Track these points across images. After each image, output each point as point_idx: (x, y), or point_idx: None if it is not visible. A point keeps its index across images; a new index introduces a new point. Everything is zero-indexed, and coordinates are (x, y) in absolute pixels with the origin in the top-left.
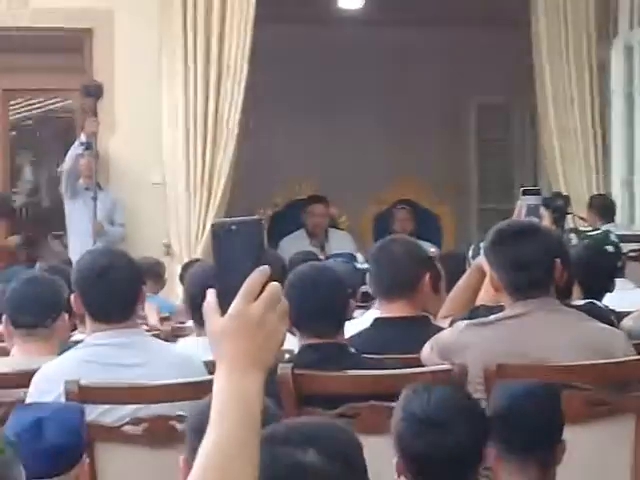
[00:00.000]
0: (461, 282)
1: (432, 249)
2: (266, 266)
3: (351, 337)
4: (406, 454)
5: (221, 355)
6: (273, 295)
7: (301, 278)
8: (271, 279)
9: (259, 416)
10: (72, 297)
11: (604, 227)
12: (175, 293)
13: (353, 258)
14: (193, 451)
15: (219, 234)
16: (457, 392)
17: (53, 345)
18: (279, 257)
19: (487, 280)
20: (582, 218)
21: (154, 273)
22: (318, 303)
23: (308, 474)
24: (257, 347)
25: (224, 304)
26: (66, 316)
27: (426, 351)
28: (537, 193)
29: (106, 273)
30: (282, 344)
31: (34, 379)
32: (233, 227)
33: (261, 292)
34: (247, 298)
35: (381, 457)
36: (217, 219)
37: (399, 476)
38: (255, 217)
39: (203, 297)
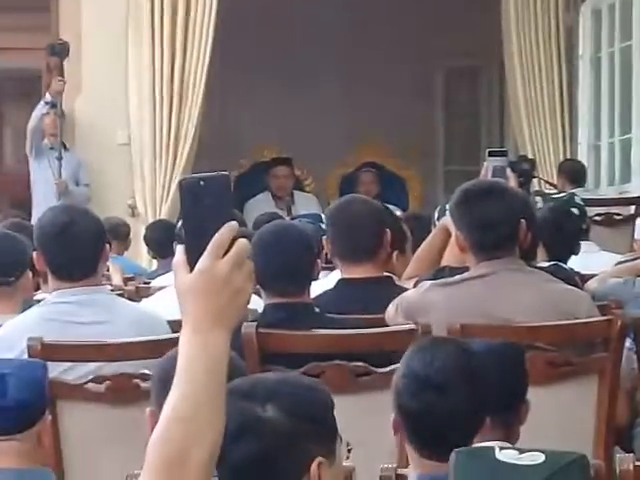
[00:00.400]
0: (426, 243)
1: (397, 212)
2: (234, 222)
3: (315, 298)
4: (403, 411)
5: (186, 311)
6: (241, 252)
7: (266, 236)
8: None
9: (225, 373)
10: (34, 255)
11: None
12: (140, 254)
13: (319, 219)
14: (159, 403)
15: (187, 190)
16: (462, 355)
17: (16, 303)
18: (242, 220)
19: (452, 241)
20: (547, 182)
21: (118, 233)
22: (283, 261)
23: (265, 429)
24: (223, 305)
25: (192, 260)
26: (30, 274)
27: (391, 311)
28: (503, 154)
29: (67, 229)
30: (248, 303)
31: None
32: (201, 182)
33: (229, 249)
34: (215, 255)
35: (344, 416)
36: (185, 175)
37: (395, 433)
38: (223, 172)
39: None
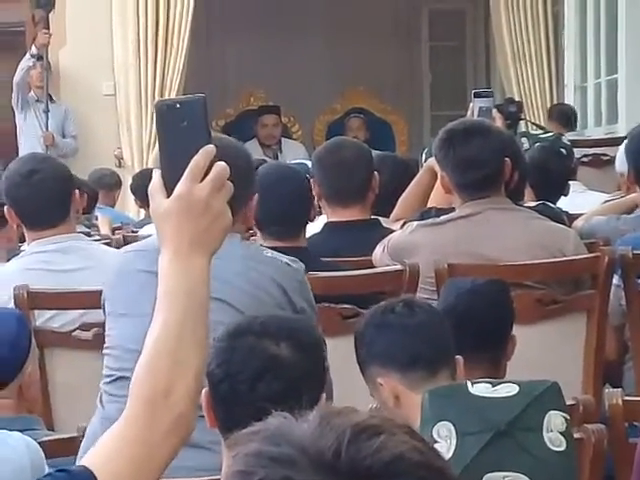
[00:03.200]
0: (412, 185)
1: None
2: (212, 145)
3: (306, 241)
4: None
5: (165, 237)
6: (219, 176)
7: (263, 179)
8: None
9: (206, 299)
10: (5, 209)
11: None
12: (127, 204)
13: (306, 167)
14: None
15: (163, 113)
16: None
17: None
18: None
19: (438, 182)
20: (534, 123)
21: (104, 184)
22: (281, 205)
23: (282, 366)
24: (202, 230)
25: (170, 185)
26: (11, 226)
27: (378, 252)
28: (489, 95)
29: (32, 177)
30: (228, 229)
31: None
32: (177, 105)
33: (207, 172)
34: (192, 179)
35: (334, 358)
36: (161, 98)
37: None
38: (199, 95)
39: None
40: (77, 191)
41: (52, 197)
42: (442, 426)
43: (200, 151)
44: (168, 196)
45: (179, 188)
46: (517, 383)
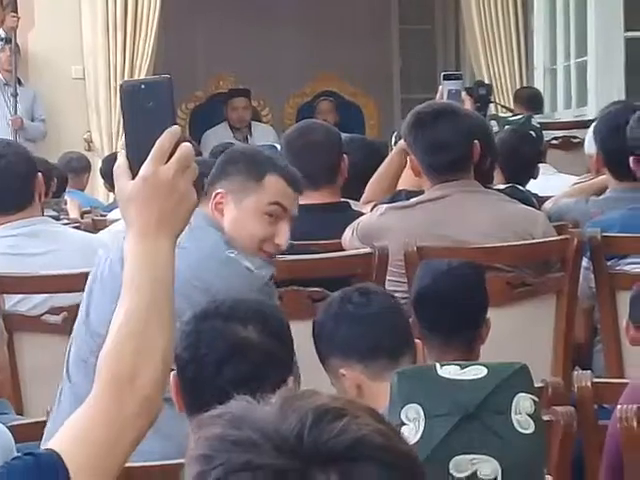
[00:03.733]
0: (382, 167)
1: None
2: (177, 126)
3: None
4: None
5: (130, 219)
6: (184, 157)
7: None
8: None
9: (172, 282)
10: None
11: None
12: (97, 187)
13: (276, 150)
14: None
15: (128, 93)
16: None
17: None
18: (198, 149)
19: (408, 165)
20: (504, 106)
21: (73, 168)
22: None
23: (248, 349)
24: (167, 211)
25: (135, 167)
26: None
27: (347, 235)
28: (459, 78)
29: None
30: (193, 210)
31: None
32: (142, 86)
33: (172, 154)
34: (158, 160)
35: (302, 341)
36: (126, 79)
37: None
38: (164, 76)
39: None
40: (40, 174)
41: (15, 182)
42: (410, 408)
43: (165, 132)
44: (133, 178)
45: (144, 169)
46: (486, 365)
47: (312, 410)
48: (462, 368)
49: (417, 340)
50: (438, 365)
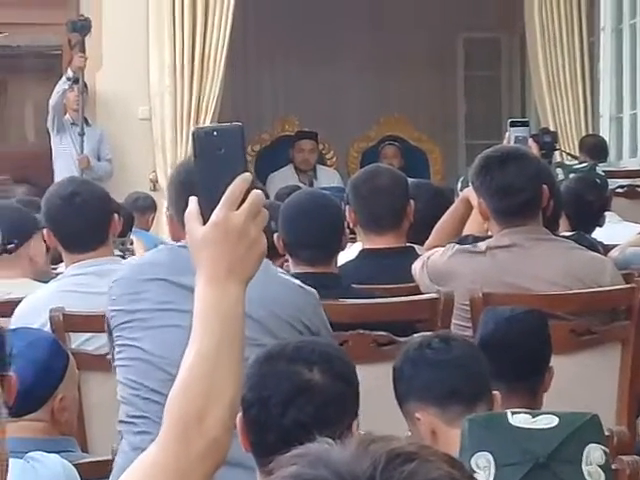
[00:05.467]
0: (448, 214)
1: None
2: (248, 173)
3: (337, 268)
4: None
5: (201, 264)
6: (255, 204)
7: (296, 205)
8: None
9: (242, 327)
10: (44, 231)
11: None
12: (162, 227)
13: (342, 192)
14: (176, 208)
15: (201, 140)
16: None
17: (19, 270)
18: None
19: (474, 211)
20: (569, 154)
21: (139, 207)
22: (313, 230)
23: (313, 391)
24: (238, 257)
25: (206, 212)
26: (37, 243)
27: (417, 267)
28: (525, 125)
29: (72, 199)
30: (263, 256)
31: (15, 312)
32: (215, 133)
33: (243, 200)
34: (229, 206)
35: (368, 385)
36: (199, 126)
37: None
38: (236, 123)
39: None
40: (116, 214)
41: (93, 220)
42: (481, 456)
43: (236, 179)
44: (204, 223)
45: (215, 215)
46: (557, 415)
47: (385, 453)
48: (533, 417)
49: (495, 392)
50: (509, 413)
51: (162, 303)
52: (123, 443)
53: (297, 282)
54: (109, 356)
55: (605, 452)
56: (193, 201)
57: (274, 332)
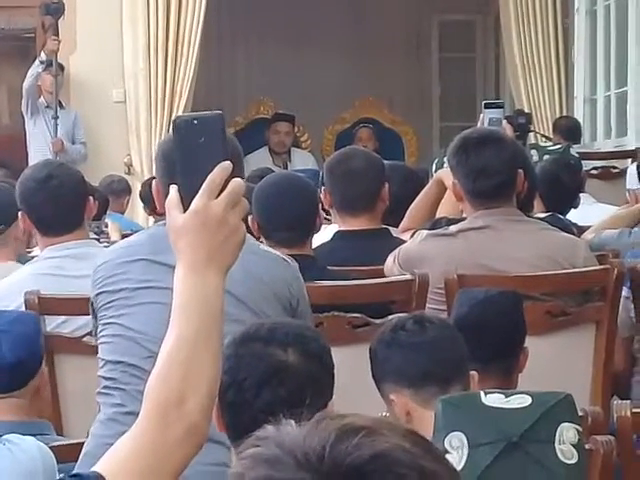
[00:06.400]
0: (421, 196)
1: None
2: (228, 162)
3: (312, 250)
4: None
5: (180, 252)
6: (235, 192)
7: (270, 188)
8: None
9: (221, 315)
10: (19, 214)
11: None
12: (137, 211)
13: (316, 175)
14: (162, 181)
15: (181, 129)
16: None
17: (10, 252)
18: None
19: (448, 193)
20: (543, 135)
21: (113, 190)
22: (287, 212)
23: (288, 372)
24: (217, 245)
25: (186, 200)
26: (20, 224)
27: (389, 262)
28: (500, 106)
29: (47, 183)
30: (242, 245)
31: None
32: (195, 122)
33: (223, 189)
34: (209, 194)
35: (343, 367)
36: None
37: None
38: (217, 112)
39: None
40: (91, 197)
41: (68, 203)
42: (454, 437)
43: (216, 167)
44: (184, 211)
45: (195, 203)
46: (530, 394)
47: (336, 429)
48: (506, 397)
49: (473, 372)
50: (482, 393)
51: (143, 282)
52: (100, 414)
53: (278, 254)
54: (91, 338)
55: (578, 431)
56: (173, 189)
57: (253, 308)
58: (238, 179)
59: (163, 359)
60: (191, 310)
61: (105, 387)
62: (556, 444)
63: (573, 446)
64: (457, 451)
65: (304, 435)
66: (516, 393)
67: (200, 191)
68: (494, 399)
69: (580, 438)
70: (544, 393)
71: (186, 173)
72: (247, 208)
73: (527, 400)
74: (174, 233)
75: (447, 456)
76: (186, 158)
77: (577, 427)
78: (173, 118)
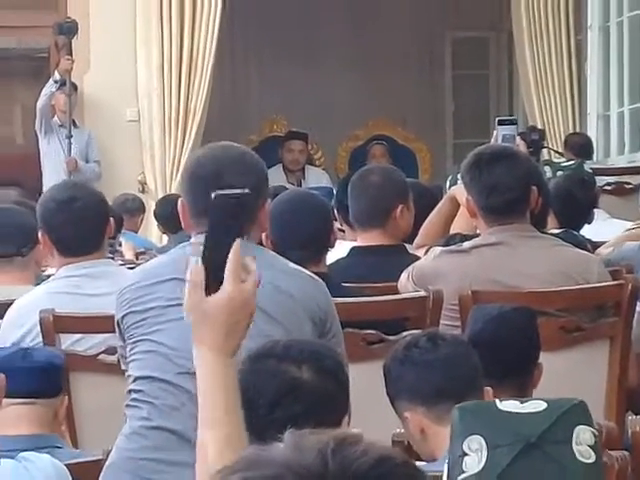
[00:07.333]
0: (434, 212)
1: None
2: (238, 242)
3: (328, 266)
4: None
5: (203, 334)
6: (254, 271)
7: (285, 205)
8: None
9: (239, 396)
10: (39, 233)
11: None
12: (151, 229)
13: (331, 192)
14: (187, 197)
15: (220, 206)
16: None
17: (30, 275)
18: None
19: (462, 209)
20: (557, 151)
21: (127, 209)
22: (301, 230)
23: (301, 389)
24: (239, 324)
25: (210, 274)
26: (40, 247)
27: (403, 279)
28: (513, 123)
29: (70, 205)
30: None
31: (5, 316)
32: (232, 201)
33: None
34: (239, 279)
35: (358, 383)
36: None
37: None
38: (247, 192)
39: None
40: (112, 219)
41: (90, 225)
42: (472, 440)
43: (234, 247)
44: (207, 289)
45: (230, 290)
46: (545, 400)
47: (331, 439)
48: (522, 403)
49: (487, 388)
50: (498, 400)
51: (174, 300)
52: (125, 426)
53: (306, 271)
54: (106, 356)
55: (594, 434)
56: (197, 264)
57: (284, 324)
58: (248, 257)
59: (212, 460)
60: (219, 392)
61: (133, 399)
62: (573, 445)
63: (590, 447)
64: (476, 453)
65: (294, 450)
66: (531, 399)
67: (229, 274)
68: (510, 405)
69: (597, 440)
70: (559, 399)
71: (214, 248)
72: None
73: (542, 405)
74: (198, 315)
75: (466, 458)
76: (216, 233)
77: (593, 430)
78: (214, 194)
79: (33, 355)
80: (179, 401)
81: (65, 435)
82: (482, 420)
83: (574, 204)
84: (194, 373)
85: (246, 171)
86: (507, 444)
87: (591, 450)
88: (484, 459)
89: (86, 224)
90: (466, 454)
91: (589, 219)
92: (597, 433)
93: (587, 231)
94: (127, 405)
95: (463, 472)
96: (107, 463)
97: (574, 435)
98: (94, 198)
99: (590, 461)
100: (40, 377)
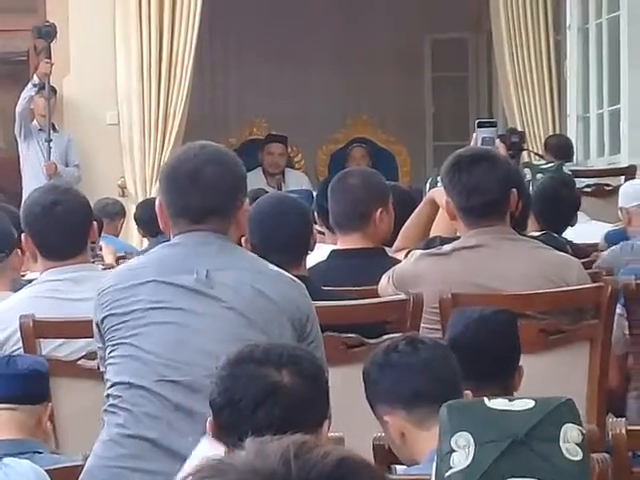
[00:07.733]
0: (414, 215)
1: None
2: None
3: (307, 269)
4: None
5: None
6: None
7: (264, 208)
8: None
9: None
10: (22, 236)
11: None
12: (131, 233)
13: (310, 195)
14: (164, 198)
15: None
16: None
17: (5, 281)
18: None
19: (442, 212)
20: (537, 154)
21: (108, 213)
22: (281, 233)
23: (282, 393)
24: None
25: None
26: (19, 252)
27: (383, 283)
28: (493, 125)
29: (53, 208)
30: None
31: None
32: None
33: None
34: None
35: (338, 387)
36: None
37: None
38: None
39: None
40: (95, 223)
41: (73, 230)
42: (460, 436)
43: None
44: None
45: None
46: (533, 398)
47: (292, 443)
48: (510, 401)
49: (467, 391)
50: (486, 398)
51: (155, 302)
52: (102, 432)
53: (285, 273)
54: (86, 361)
55: (582, 432)
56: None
57: (263, 328)
58: None
59: None
60: None
61: (111, 405)
62: (561, 442)
63: (577, 445)
64: (464, 449)
65: (256, 456)
66: (519, 398)
67: None
68: (498, 402)
69: (584, 438)
70: (546, 398)
71: None
72: None
73: (530, 403)
74: None
75: (454, 454)
76: None
77: (580, 428)
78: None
79: (17, 362)
80: (157, 409)
81: (50, 441)
82: (470, 417)
83: (559, 205)
84: (174, 381)
85: (224, 170)
86: (494, 441)
87: (578, 448)
88: (471, 455)
89: (69, 228)
90: (454, 450)
91: (573, 221)
92: (585, 431)
93: (569, 233)
94: (105, 410)
95: (451, 468)
96: (84, 469)
97: (561, 433)
98: (78, 202)
99: (577, 459)
100: (24, 384)
